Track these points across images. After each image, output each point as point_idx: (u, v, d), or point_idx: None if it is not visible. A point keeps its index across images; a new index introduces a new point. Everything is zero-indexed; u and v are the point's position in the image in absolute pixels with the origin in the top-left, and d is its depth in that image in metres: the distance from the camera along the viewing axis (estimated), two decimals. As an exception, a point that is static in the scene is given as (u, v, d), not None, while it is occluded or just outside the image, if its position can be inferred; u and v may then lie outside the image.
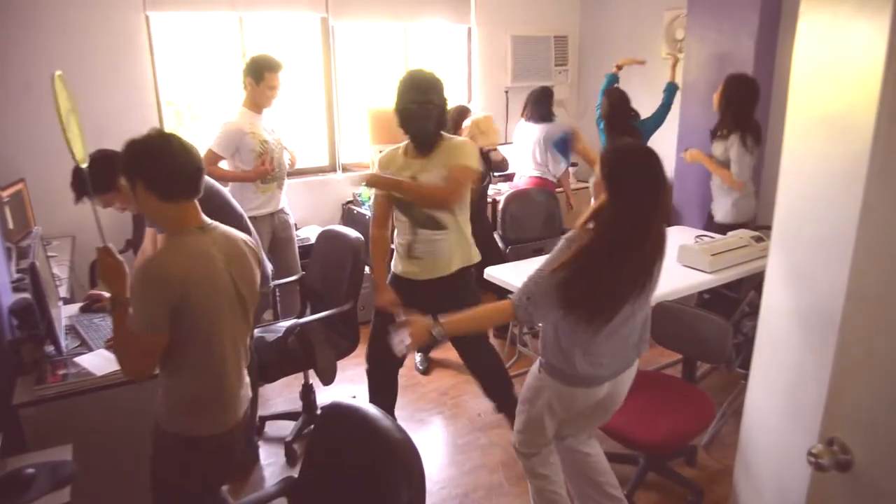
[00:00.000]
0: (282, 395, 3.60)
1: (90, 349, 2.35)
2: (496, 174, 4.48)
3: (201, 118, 4.62)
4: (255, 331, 3.07)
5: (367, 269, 3.76)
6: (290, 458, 3.04)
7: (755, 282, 3.27)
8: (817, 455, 1.18)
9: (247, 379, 1.96)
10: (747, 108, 3.57)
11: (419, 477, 1.51)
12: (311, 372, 3.09)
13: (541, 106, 4.35)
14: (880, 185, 1.16)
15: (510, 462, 3.01)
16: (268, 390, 3.57)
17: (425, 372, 3.88)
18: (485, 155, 3.75)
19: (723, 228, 3.66)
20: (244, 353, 1.90)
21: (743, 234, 3.40)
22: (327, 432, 1.82)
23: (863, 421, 1.18)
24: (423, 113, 2.51)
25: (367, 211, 4.56)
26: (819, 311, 1.50)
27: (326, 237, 3.33)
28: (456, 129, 3.90)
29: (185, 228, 1.75)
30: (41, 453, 1.86)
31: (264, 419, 3.31)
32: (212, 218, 1.95)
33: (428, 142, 2.60)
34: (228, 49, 4.43)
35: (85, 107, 3.91)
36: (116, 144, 2.52)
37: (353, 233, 3.15)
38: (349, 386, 3.61)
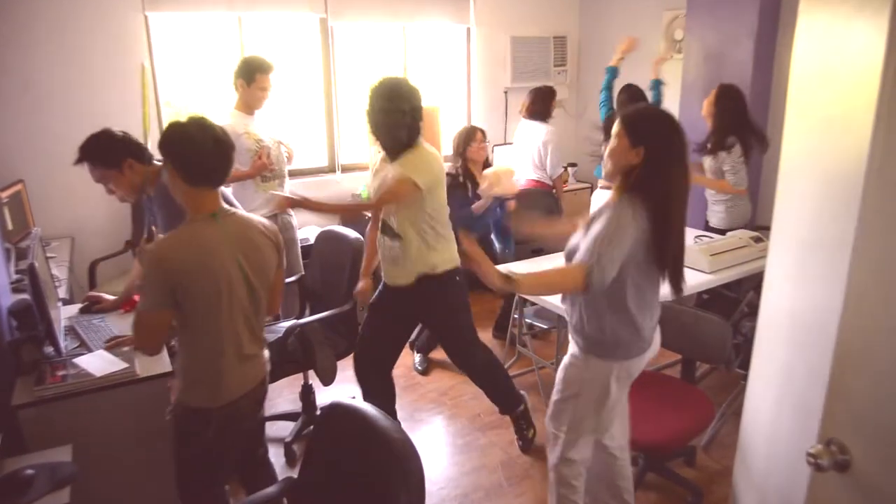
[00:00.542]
0: (281, 395, 3.60)
1: (89, 350, 2.35)
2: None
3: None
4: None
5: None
6: (290, 459, 3.04)
7: (754, 282, 3.28)
8: (816, 455, 1.18)
9: (263, 355, 2.09)
10: (743, 115, 3.60)
11: (418, 477, 1.51)
12: (311, 372, 3.10)
13: (544, 105, 4.36)
14: (879, 184, 1.16)
15: (510, 462, 3.01)
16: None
17: (424, 372, 3.88)
18: (499, 201, 3.84)
19: (719, 233, 3.66)
20: (251, 333, 1.99)
21: (742, 235, 3.41)
22: (327, 433, 1.82)
23: (861, 421, 1.18)
24: (391, 120, 2.53)
25: (365, 211, 4.56)
26: (818, 312, 1.50)
27: (326, 238, 3.33)
28: (464, 148, 3.91)
29: (197, 216, 1.87)
30: (40, 454, 1.86)
31: (264, 419, 3.30)
32: None
33: (395, 149, 2.62)
34: (227, 49, 4.43)
35: (84, 107, 3.95)
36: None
37: (352, 233, 3.15)
38: (349, 386, 3.61)
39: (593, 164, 4.82)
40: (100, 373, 2.17)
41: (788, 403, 1.67)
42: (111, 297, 2.79)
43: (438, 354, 4.01)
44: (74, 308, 2.79)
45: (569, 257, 2.03)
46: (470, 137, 3.95)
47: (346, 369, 3.15)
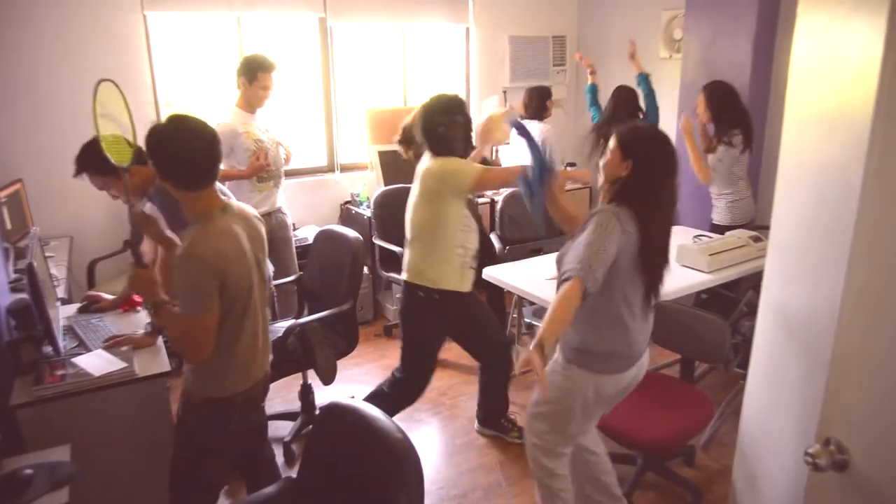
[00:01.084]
0: (280, 395, 3.59)
1: (88, 350, 2.35)
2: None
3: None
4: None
5: (365, 269, 3.76)
6: (289, 459, 3.04)
7: (753, 282, 3.28)
8: (814, 455, 1.18)
9: (266, 351, 2.10)
10: (736, 108, 3.65)
11: (417, 477, 1.51)
12: (310, 372, 3.09)
13: (539, 103, 4.37)
14: (877, 183, 1.16)
15: (508, 462, 3.01)
16: (266, 390, 3.56)
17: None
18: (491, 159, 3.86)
19: (721, 230, 3.66)
20: (265, 318, 2.06)
21: (741, 234, 3.41)
22: (326, 432, 1.82)
23: (860, 421, 1.18)
24: (450, 133, 2.63)
25: (365, 211, 4.56)
26: (816, 311, 1.50)
27: (325, 237, 3.32)
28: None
29: (210, 213, 1.86)
30: (39, 454, 1.86)
31: (266, 420, 3.30)
32: None
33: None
34: (226, 49, 4.43)
35: (83, 107, 3.93)
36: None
37: (351, 233, 3.15)
38: (348, 386, 3.61)
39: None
40: (98, 372, 2.17)
41: (787, 403, 1.67)
42: (110, 297, 2.79)
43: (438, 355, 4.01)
44: (73, 308, 2.79)
45: (559, 262, 2.04)
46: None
47: (345, 369, 3.15)
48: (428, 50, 5.34)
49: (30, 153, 3.84)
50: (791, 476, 1.64)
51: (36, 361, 2.22)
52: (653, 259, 1.99)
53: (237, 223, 1.92)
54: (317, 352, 2.92)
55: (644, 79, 4.21)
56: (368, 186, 4.77)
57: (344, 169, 5.00)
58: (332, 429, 1.79)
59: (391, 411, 3.02)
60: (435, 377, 3.80)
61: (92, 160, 2.38)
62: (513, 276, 3.19)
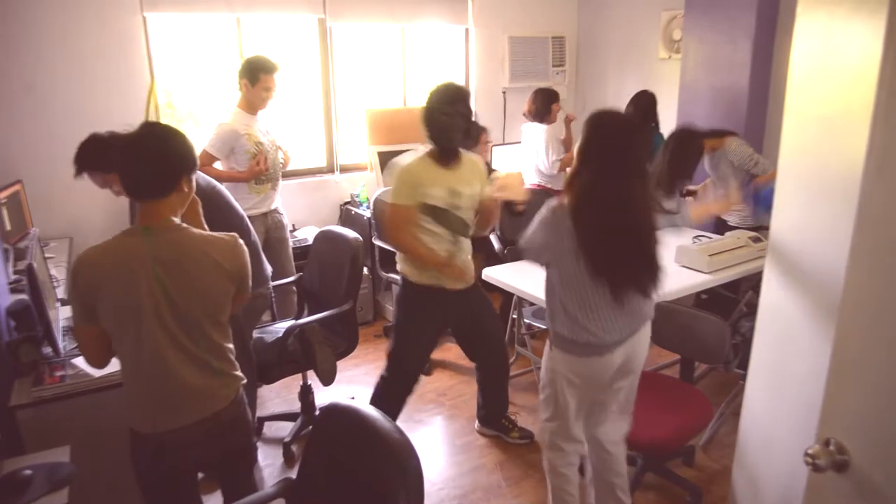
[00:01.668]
0: (280, 395, 3.60)
1: (88, 350, 2.34)
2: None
3: (201, 124, 4.60)
4: (254, 332, 3.07)
5: (365, 269, 3.76)
6: (288, 459, 3.04)
7: (753, 282, 3.28)
8: (814, 456, 1.18)
9: (218, 387, 1.84)
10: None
11: (417, 478, 1.51)
12: (310, 373, 3.09)
13: (543, 106, 4.37)
14: (877, 183, 1.16)
15: (508, 463, 3.01)
16: (266, 391, 3.57)
17: (426, 373, 3.88)
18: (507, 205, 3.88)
19: (722, 231, 3.66)
20: (189, 362, 1.76)
21: (740, 235, 3.41)
22: (325, 433, 1.82)
23: (860, 421, 1.18)
24: (451, 123, 2.59)
25: (364, 212, 4.56)
26: (816, 311, 1.50)
27: (324, 238, 3.32)
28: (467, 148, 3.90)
29: (129, 229, 1.79)
30: (39, 455, 1.86)
31: (263, 420, 3.31)
32: (212, 217, 1.96)
33: (455, 151, 2.69)
34: (226, 50, 4.42)
35: (83, 108, 3.95)
36: (114, 145, 2.55)
37: (351, 233, 3.15)
38: (348, 387, 3.61)
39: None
40: (98, 373, 2.17)
41: (787, 403, 1.67)
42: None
43: (438, 355, 4.01)
44: (73, 309, 2.78)
45: None
46: (475, 139, 3.88)
47: (345, 370, 3.15)
48: (427, 50, 5.34)
49: (29, 154, 3.84)
50: (791, 476, 1.64)
51: (35, 362, 2.22)
52: (608, 261, 1.94)
53: (150, 249, 1.71)
54: (316, 352, 2.92)
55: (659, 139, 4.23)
56: (368, 187, 4.77)
57: (343, 170, 5.00)
58: (331, 429, 1.79)
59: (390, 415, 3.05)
60: (435, 377, 3.83)
61: (91, 159, 2.40)
62: (513, 276, 3.19)
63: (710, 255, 3.15)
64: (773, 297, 1.74)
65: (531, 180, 4.45)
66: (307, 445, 1.91)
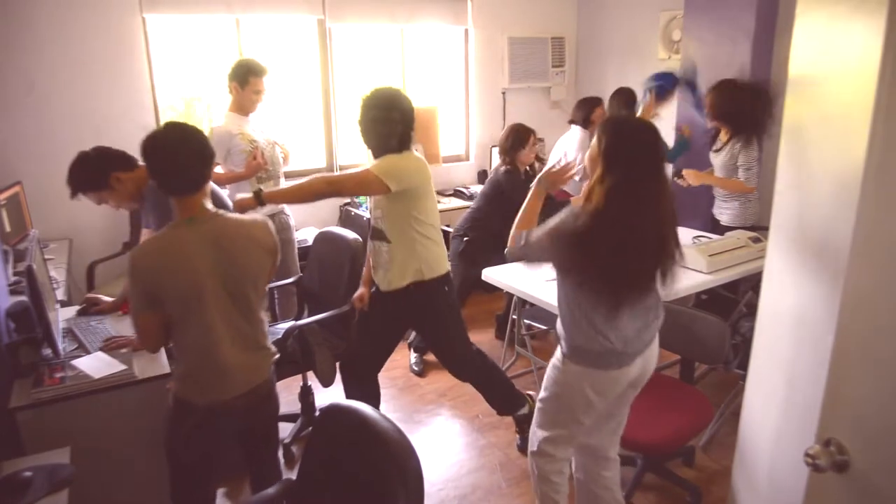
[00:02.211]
0: (280, 396, 3.57)
1: (87, 352, 2.35)
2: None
3: (201, 124, 4.60)
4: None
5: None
6: (289, 460, 3.04)
7: (753, 282, 3.28)
8: (814, 456, 1.18)
9: (260, 360, 2.08)
10: (748, 110, 3.48)
11: (417, 478, 1.51)
12: (310, 374, 3.09)
13: (583, 113, 4.37)
14: (877, 183, 1.16)
15: (509, 463, 3.01)
16: (266, 392, 3.56)
17: (421, 374, 3.88)
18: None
19: (722, 231, 3.65)
20: (239, 337, 1.98)
21: (740, 235, 3.41)
22: (325, 434, 1.82)
23: (860, 421, 1.18)
24: (384, 129, 2.54)
25: (364, 213, 4.56)
26: (816, 312, 1.50)
27: (324, 239, 3.32)
28: (514, 151, 3.87)
29: (178, 222, 1.91)
30: (39, 456, 1.86)
31: (270, 423, 3.29)
32: None
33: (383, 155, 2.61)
34: (225, 51, 4.42)
35: (83, 109, 3.95)
36: (114, 145, 2.56)
37: (350, 234, 3.15)
38: (347, 388, 3.61)
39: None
40: (98, 375, 2.17)
41: (787, 403, 1.67)
42: (109, 300, 2.78)
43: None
44: (72, 310, 2.79)
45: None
46: (523, 141, 3.86)
47: (344, 371, 3.15)
48: (427, 51, 5.34)
49: (29, 155, 3.84)
50: (791, 476, 1.64)
51: (35, 364, 2.22)
52: (633, 260, 1.85)
53: (201, 236, 1.89)
54: (316, 353, 2.93)
55: (684, 143, 4.24)
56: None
57: (343, 170, 5.00)
58: (331, 430, 1.79)
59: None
60: (435, 378, 3.83)
61: (83, 181, 2.44)
62: (513, 276, 3.19)
63: (709, 256, 3.15)
64: (773, 297, 1.74)
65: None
66: (307, 446, 1.91)
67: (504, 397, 3.07)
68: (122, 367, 2.21)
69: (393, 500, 1.50)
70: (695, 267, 3.14)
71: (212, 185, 2.76)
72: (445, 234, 3.22)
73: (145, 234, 2.63)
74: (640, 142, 1.86)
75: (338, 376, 3.00)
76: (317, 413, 3.15)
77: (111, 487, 2.14)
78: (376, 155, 2.63)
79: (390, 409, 3.49)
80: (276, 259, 2.10)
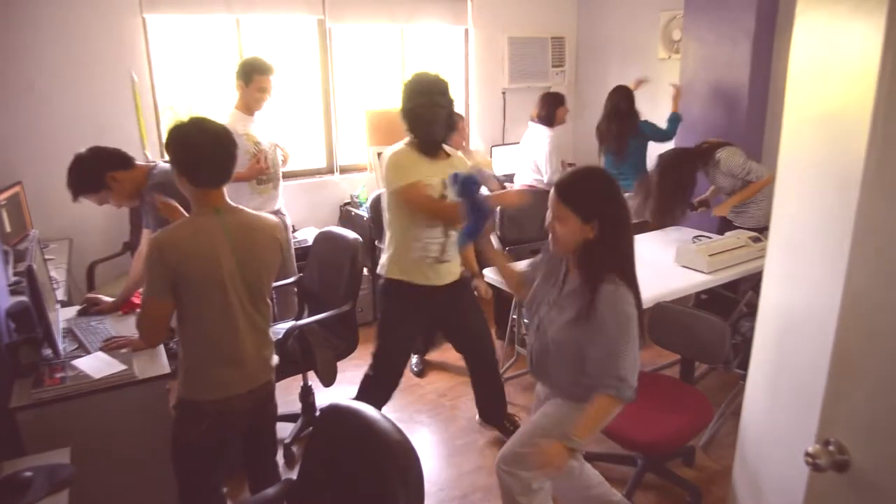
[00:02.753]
0: (280, 396, 3.57)
1: (88, 352, 2.35)
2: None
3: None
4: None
5: (364, 270, 3.76)
6: (289, 460, 3.04)
7: (753, 282, 3.28)
8: (814, 455, 1.18)
9: (269, 356, 2.12)
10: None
11: (417, 479, 1.51)
12: (311, 374, 3.09)
13: (549, 110, 4.35)
14: (876, 183, 1.16)
15: (509, 463, 3.01)
16: (266, 392, 3.56)
17: (420, 374, 3.87)
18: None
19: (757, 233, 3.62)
20: (253, 331, 2.02)
21: (740, 235, 3.41)
22: (326, 434, 1.82)
23: (860, 421, 1.18)
24: (430, 115, 2.55)
25: (364, 212, 4.56)
26: (816, 311, 1.50)
27: (324, 239, 3.32)
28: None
29: (201, 210, 1.94)
30: (39, 456, 1.86)
31: (272, 420, 3.30)
32: None
33: (437, 144, 2.66)
34: (226, 52, 4.43)
35: (83, 109, 3.95)
36: (114, 145, 2.56)
37: (350, 234, 3.15)
38: (348, 388, 3.60)
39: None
40: (98, 375, 2.17)
41: (787, 403, 1.67)
42: (109, 300, 2.78)
43: (436, 356, 4.01)
44: (73, 310, 2.79)
45: (529, 307, 2.11)
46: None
47: (345, 371, 3.15)
48: (427, 51, 5.34)
49: (29, 155, 3.84)
50: (791, 476, 1.64)
51: (35, 364, 2.22)
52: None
53: (225, 228, 1.93)
54: (316, 353, 2.92)
55: (676, 119, 4.29)
56: (368, 188, 4.77)
57: (343, 170, 5.01)
58: (331, 431, 1.79)
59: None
60: (435, 378, 3.83)
61: (81, 184, 2.45)
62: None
63: (709, 255, 3.15)
64: (773, 297, 1.74)
65: (524, 180, 4.44)
66: (307, 446, 1.92)
67: (499, 408, 3.18)
68: (123, 367, 2.21)
69: (393, 500, 1.50)
70: (695, 267, 3.15)
71: None
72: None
73: (145, 235, 2.63)
74: (617, 191, 1.92)
75: (338, 376, 3.00)
76: (317, 413, 3.15)
77: (111, 487, 2.14)
78: (424, 142, 2.62)
79: (390, 409, 3.48)
80: (282, 257, 2.14)
